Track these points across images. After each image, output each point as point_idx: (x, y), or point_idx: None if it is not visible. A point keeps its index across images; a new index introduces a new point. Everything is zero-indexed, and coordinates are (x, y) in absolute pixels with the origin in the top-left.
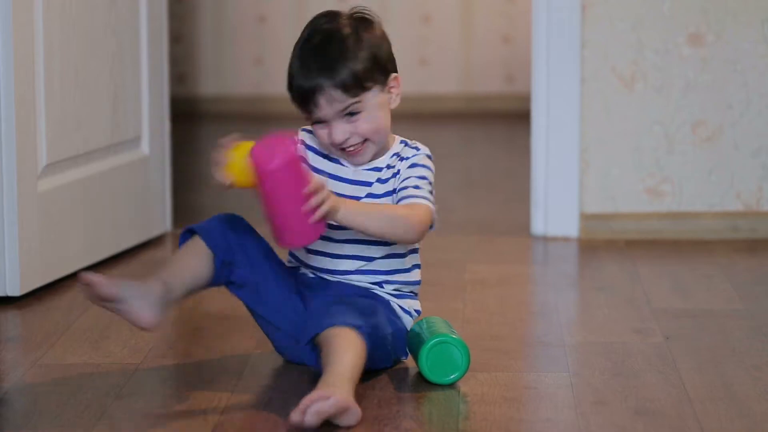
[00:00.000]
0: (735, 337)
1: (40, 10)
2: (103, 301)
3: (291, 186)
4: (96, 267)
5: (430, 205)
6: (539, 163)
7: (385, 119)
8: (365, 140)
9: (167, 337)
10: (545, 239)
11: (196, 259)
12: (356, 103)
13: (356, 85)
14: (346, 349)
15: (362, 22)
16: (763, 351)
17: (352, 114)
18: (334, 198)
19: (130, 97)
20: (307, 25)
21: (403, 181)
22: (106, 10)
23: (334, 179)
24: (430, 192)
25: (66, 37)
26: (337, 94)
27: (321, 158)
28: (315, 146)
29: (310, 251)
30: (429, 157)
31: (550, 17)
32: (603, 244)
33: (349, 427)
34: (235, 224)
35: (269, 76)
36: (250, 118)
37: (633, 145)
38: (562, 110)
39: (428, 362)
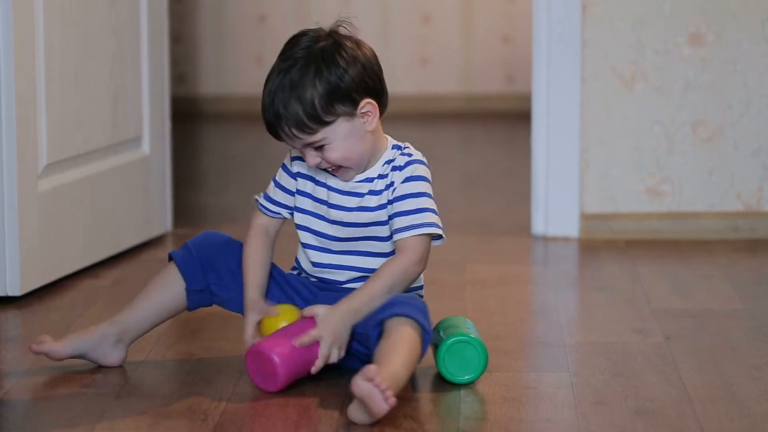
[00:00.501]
0: (735, 337)
1: (41, 10)
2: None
3: (302, 368)
4: (96, 267)
5: (428, 230)
6: (539, 163)
7: (357, 146)
8: (339, 166)
9: (167, 337)
10: (545, 239)
11: (164, 291)
12: (315, 138)
13: (312, 122)
14: (403, 346)
15: (333, 46)
16: (763, 351)
17: (317, 147)
18: (333, 335)
19: (130, 97)
20: (288, 41)
21: (399, 200)
22: (106, 9)
23: (328, 189)
24: (433, 204)
25: (66, 37)
26: (294, 132)
27: (316, 170)
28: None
29: (315, 264)
30: (423, 163)
31: (551, 17)
32: (603, 244)
33: (352, 425)
34: (213, 243)
35: None
36: (251, 117)
37: (633, 145)
38: (563, 110)
39: (446, 361)
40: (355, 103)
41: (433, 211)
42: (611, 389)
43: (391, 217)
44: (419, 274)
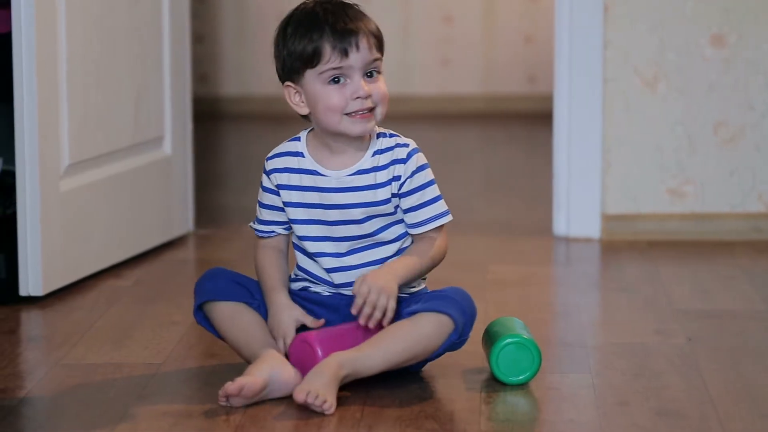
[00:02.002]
0: (757, 338)
1: (63, 11)
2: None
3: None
4: (118, 267)
5: (447, 219)
6: (561, 163)
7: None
8: (374, 108)
9: (189, 338)
10: (567, 240)
11: (247, 317)
12: (380, 60)
13: (382, 43)
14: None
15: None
16: None
17: (370, 75)
18: (380, 285)
19: (152, 97)
20: (303, 4)
21: (411, 194)
22: (128, 10)
23: (318, 191)
24: (437, 189)
25: (88, 37)
26: (373, 42)
27: (298, 174)
28: (290, 166)
29: (329, 270)
30: (419, 150)
31: (573, 18)
32: (625, 245)
33: (373, 426)
34: (224, 275)
35: None
36: (273, 118)
37: (655, 146)
38: (584, 111)
39: (498, 362)
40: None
41: (440, 197)
42: (633, 390)
43: (405, 211)
44: (439, 261)
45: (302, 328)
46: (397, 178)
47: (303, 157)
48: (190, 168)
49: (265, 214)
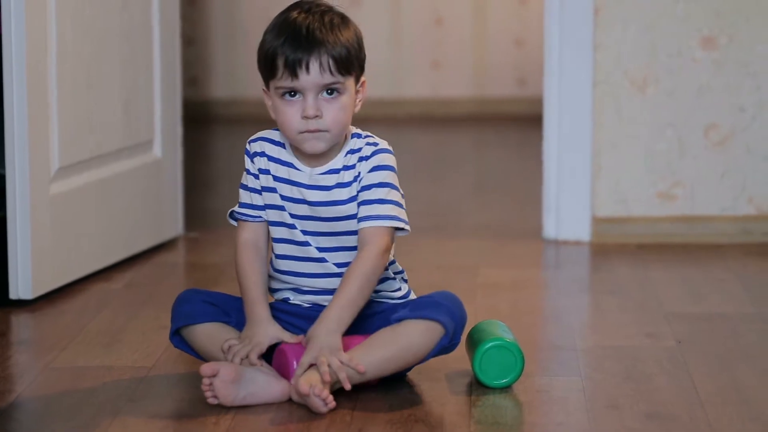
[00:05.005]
0: (747, 340)
1: (53, 14)
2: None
3: None
4: (108, 270)
5: (391, 222)
6: (551, 166)
7: (345, 116)
8: (326, 131)
9: None
10: (557, 243)
11: (225, 336)
12: (340, 83)
13: (347, 65)
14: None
15: (346, 17)
16: None
17: (330, 93)
18: (321, 348)
19: (142, 100)
20: (291, 6)
21: (365, 189)
22: (118, 13)
23: (291, 184)
24: (398, 195)
25: (78, 40)
26: (330, 64)
27: (275, 164)
28: (267, 153)
29: (279, 256)
30: (389, 152)
31: (563, 20)
32: (615, 248)
33: (364, 427)
34: (198, 297)
35: None
36: (263, 121)
37: (645, 149)
38: (574, 114)
39: (482, 365)
40: (362, 72)
41: (396, 203)
42: (623, 393)
43: (359, 204)
44: (386, 264)
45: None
46: (358, 175)
47: (283, 147)
48: (180, 171)
49: (256, 198)
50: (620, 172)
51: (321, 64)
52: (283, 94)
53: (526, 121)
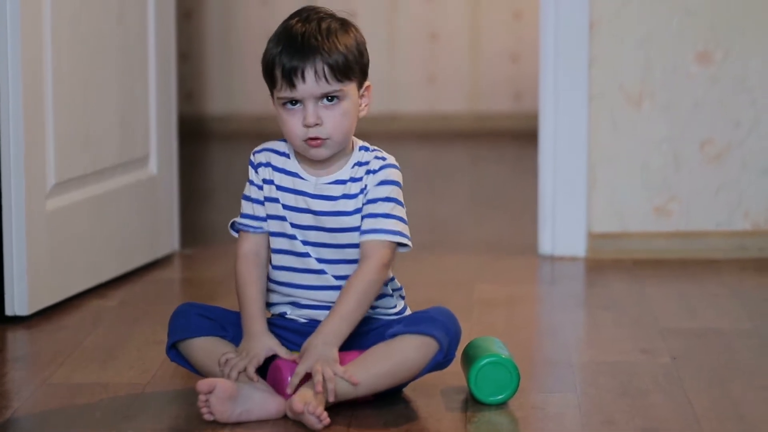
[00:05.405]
0: (743, 356)
1: (49, 29)
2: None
3: None
4: (104, 287)
5: (394, 237)
6: (546, 182)
7: (349, 123)
8: (327, 138)
9: None
10: (553, 259)
11: (222, 349)
12: (339, 90)
13: (345, 72)
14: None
15: (347, 22)
16: None
17: (330, 100)
18: (316, 360)
19: (138, 116)
20: (292, 14)
21: (370, 203)
22: (114, 28)
23: (295, 193)
24: (402, 211)
25: (74, 55)
26: (328, 73)
27: (280, 173)
28: (272, 163)
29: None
30: (396, 167)
31: (558, 35)
32: (610, 264)
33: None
34: (194, 310)
35: None
36: (259, 136)
37: (641, 164)
38: (570, 128)
39: (477, 382)
40: (365, 77)
41: (400, 219)
42: (619, 409)
43: (363, 217)
44: (383, 283)
45: (274, 357)
46: (364, 189)
47: (288, 158)
48: (176, 187)
49: (258, 209)
50: (616, 187)
51: (316, 72)
52: (285, 104)
53: (521, 136)
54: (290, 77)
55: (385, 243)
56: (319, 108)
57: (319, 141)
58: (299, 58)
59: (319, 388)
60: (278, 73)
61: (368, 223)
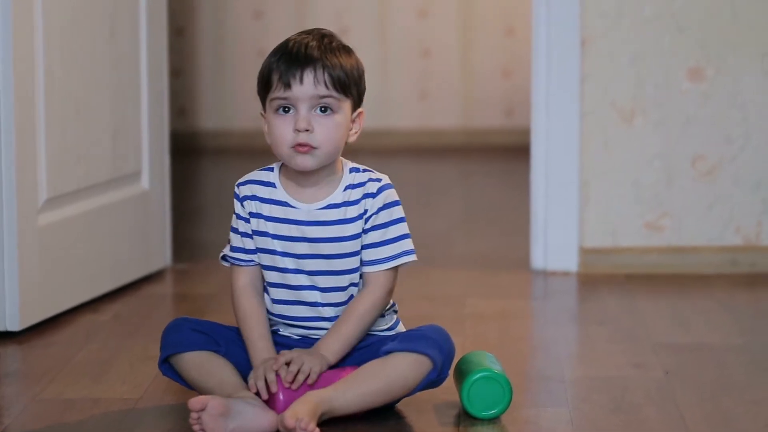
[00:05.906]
0: (734, 371)
1: (41, 44)
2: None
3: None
4: (96, 302)
5: (404, 259)
6: (539, 197)
7: (339, 139)
8: (317, 147)
9: None
10: (545, 273)
11: (216, 363)
12: (335, 100)
13: (343, 85)
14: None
15: (351, 48)
16: (762, 386)
17: (324, 110)
18: (308, 360)
19: (130, 131)
20: (297, 33)
21: (375, 230)
22: (106, 43)
23: (287, 223)
24: (406, 227)
25: (66, 71)
26: (327, 79)
27: (269, 204)
28: (258, 195)
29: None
30: (392, 186)
31: (550, 51)
32: (603, 279)
33: None
34: (187, 325)
35: None
36: (251, 152)
37: (632, 180)
38: (562, 144)
39: (470, 397)
40: (360, 102)
41: (402, 237)
42: (611, 424)
43: (364, 247)
44: (388, 305)
45: None
46: (364, 213)
47: (275, 187)
48: (168, 202)
49: (247, 243)
50: (608, 202)
51: (315, 76)
52: (277, 109)
53: (513, 151)
54: (288, 78)
55: (388, 272)
56: (312, 116)
57: (307, 148)
58: (300, 63)
59: (290, 378)
60: (275, 77)
61: (370, 254)
